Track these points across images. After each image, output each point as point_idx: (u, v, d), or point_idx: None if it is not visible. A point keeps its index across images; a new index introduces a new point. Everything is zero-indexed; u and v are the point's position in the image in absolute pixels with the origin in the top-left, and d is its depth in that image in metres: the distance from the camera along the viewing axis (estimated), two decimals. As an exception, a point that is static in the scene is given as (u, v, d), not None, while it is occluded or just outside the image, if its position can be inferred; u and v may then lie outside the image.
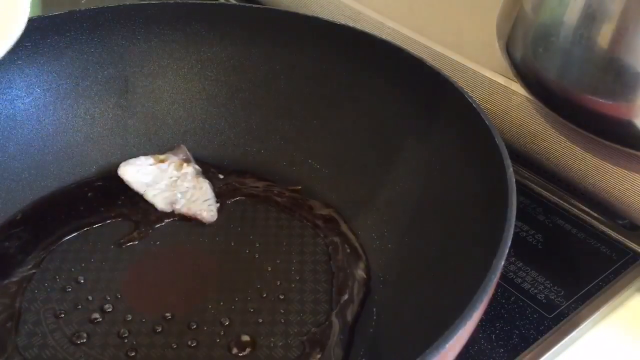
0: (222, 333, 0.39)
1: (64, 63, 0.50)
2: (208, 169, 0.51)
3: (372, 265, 0.43)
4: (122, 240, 0.45)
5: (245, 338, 0.39)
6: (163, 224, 0.47)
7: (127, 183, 0.49)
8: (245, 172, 0.51)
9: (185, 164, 0.49)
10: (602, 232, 0.46)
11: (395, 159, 0.46)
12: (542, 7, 0.39)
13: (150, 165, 0.50)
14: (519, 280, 0.43)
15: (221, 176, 0.51)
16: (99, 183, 0.49)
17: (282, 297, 0.41)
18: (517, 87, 0.49)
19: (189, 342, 0.39)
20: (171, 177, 0.49)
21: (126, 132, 0.52)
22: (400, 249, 0.43)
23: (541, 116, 0.48)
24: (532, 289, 0.42)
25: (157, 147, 0.52)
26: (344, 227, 0.46)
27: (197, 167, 0.50)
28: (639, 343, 0.40)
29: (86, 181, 0.50)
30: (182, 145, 0.51)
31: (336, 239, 0.45)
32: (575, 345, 0.40)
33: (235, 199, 0.49)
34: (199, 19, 0.52)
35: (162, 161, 0.50)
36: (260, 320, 0.40)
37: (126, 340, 0.39)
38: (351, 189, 0.48)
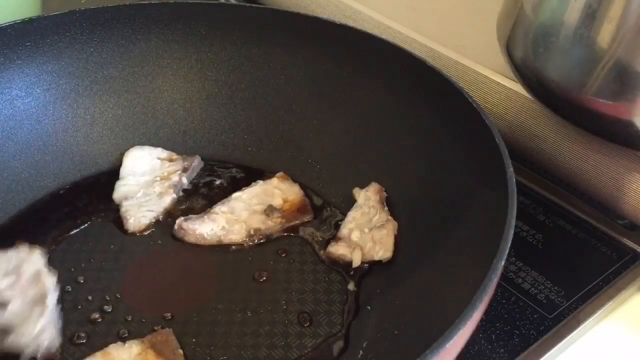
0: (222, 333, 0.39)
1: (64, 63, 0.50)
2: (209, 169, 0.51)
3: (372, 264, 0.43)
4: (121, 240, 0.45)
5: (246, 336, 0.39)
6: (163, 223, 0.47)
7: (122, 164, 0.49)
8: (246, 171, 0.51)
9: (178, 172, 0.49)
10: (602, 232, 0.46)
11: (396, 159, 0.46)
12: (542, 7, 0.39)
13: (158, 158, 0.50)
14: (519, 280, 0.43)
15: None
16: (98, 183, 0.49)
17: (282, 296, 0.41)
18: (517, 87, 0.49)
19: (189, 342, 0.39)
20: (156, 176, 0.49)
21: (126, 132, 0.52)
22: (400, 248, 0.43)
23: (541, 116, 0.48)
24: (532, 289, 0.42)
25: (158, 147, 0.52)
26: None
27: (185, 181, 0.49)
28: (639, 342, 0.40)
29: (86, 181, 0.50)
30: (197, 156, 0.51)
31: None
32: (575, 345, 0.40)
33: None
34: (199, 19, 0.52)
35: (171, 160, 0.50)
36: (260, 320, 0.40)
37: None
38: (351, 189, 0.48)
